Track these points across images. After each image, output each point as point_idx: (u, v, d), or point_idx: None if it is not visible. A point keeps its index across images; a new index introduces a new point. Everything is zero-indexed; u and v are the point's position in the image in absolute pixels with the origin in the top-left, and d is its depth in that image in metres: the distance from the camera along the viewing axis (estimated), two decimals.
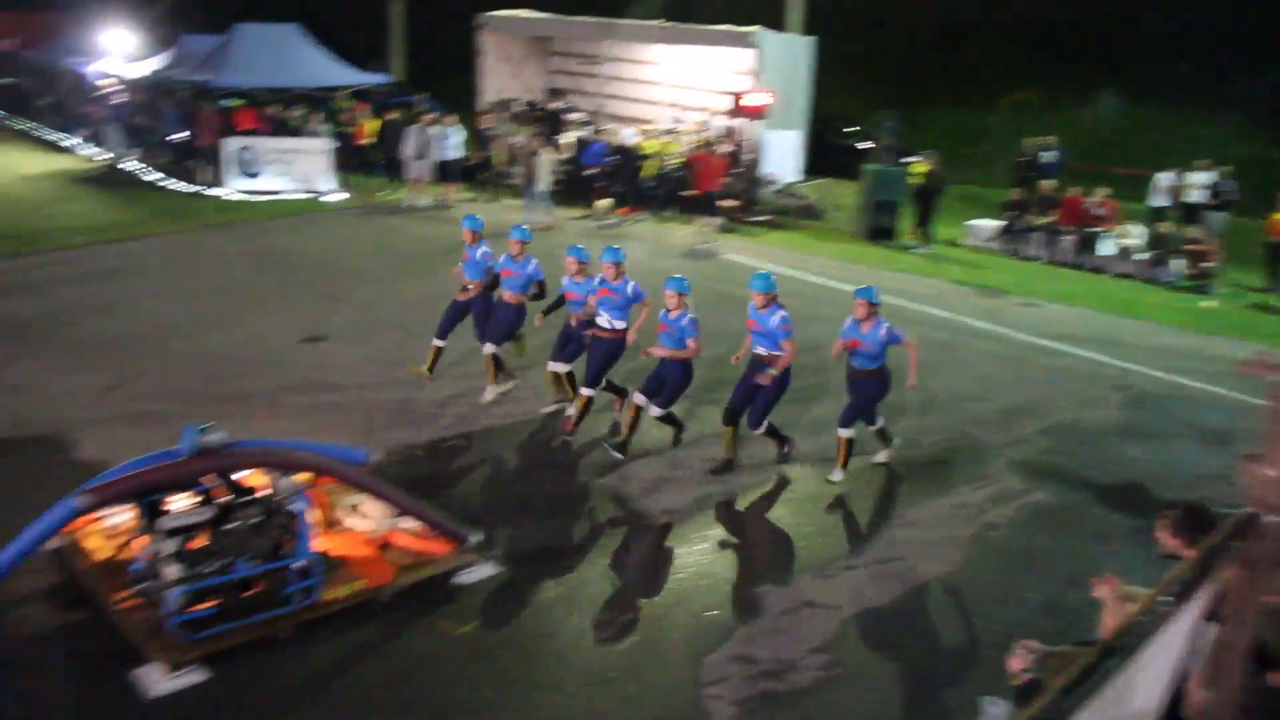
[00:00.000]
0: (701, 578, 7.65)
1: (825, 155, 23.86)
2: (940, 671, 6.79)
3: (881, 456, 9.66)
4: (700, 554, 8.00)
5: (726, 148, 20.27)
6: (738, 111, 20.39)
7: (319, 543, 7.17)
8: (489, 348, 10.51)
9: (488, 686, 6.34)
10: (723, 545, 8.18)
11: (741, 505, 8.84)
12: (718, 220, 19.03)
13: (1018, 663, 4.90)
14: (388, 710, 6.18)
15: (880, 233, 19.60)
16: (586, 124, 23.51)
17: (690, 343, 9.12)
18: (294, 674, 6.50)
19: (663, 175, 20.75)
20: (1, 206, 20.79)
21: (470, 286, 10.58)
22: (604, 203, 20.30)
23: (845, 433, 9.23)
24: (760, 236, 19.40)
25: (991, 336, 13.99)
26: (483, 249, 10.68)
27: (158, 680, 6.34)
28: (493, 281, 10.52)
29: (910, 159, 20.27)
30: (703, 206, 19.12)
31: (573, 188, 21.23)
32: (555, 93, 26.89)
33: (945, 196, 20.12)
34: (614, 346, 9.76)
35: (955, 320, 14.64)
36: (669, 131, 22.12)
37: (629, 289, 9.68)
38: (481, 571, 7.53)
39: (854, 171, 20.74)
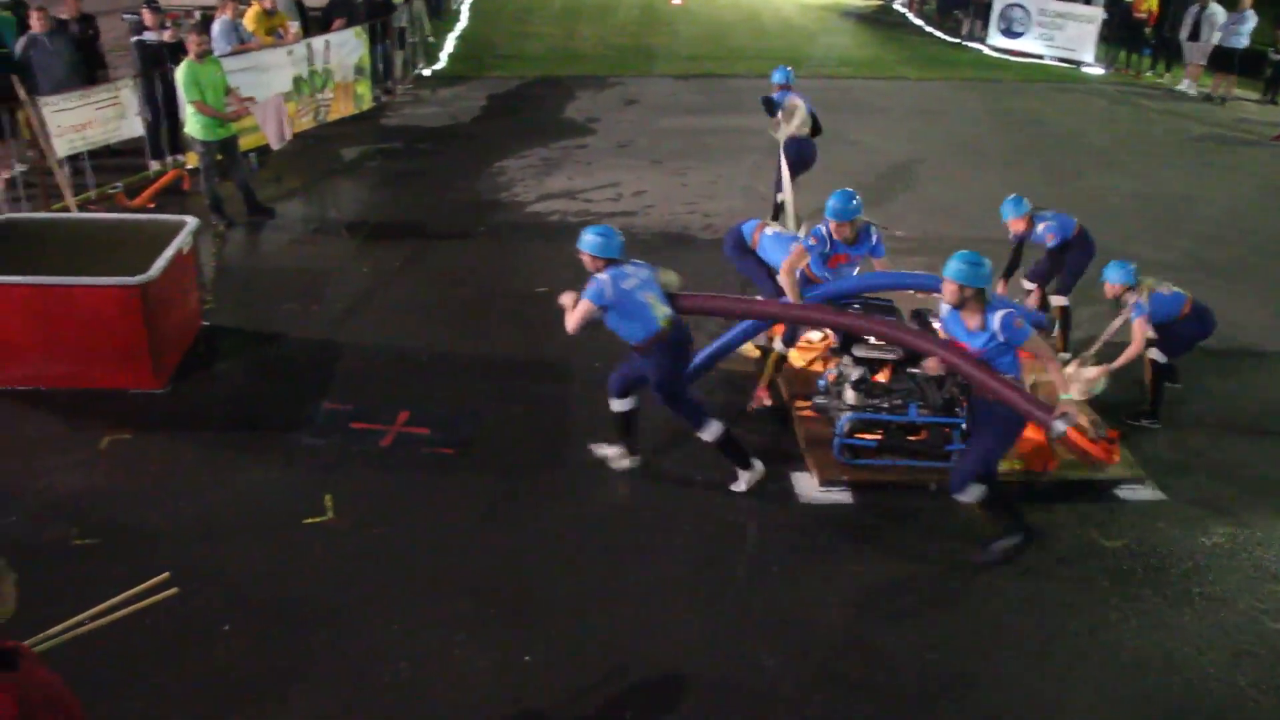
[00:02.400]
0: None
1: None
2: None
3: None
4: None
5: None
6: None
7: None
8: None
9: (1116, 608, 5.98)
10: None
11: None
12: None
13: None
14: (1013, 593, 6.08)
15: None
16: None
17: None
18: (923, 526, 6.61)
19: None
20: (780, 30, 22.49)
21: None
22: None
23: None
24: None
25: None
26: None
27: (810, 488, 6.83)
28: None
29: None
30: None
31: None
32: None
33: None
34: None
35: None
36: None
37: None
38: (1145, 493, 7.02)
39: None
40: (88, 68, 12.10)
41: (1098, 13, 20.82)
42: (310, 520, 6.35)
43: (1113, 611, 5.93)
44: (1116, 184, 13.54)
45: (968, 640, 5.66)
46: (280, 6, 13.86)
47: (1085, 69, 20.46)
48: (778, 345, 7.62)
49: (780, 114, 10.80)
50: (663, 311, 6.33)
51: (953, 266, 5.79)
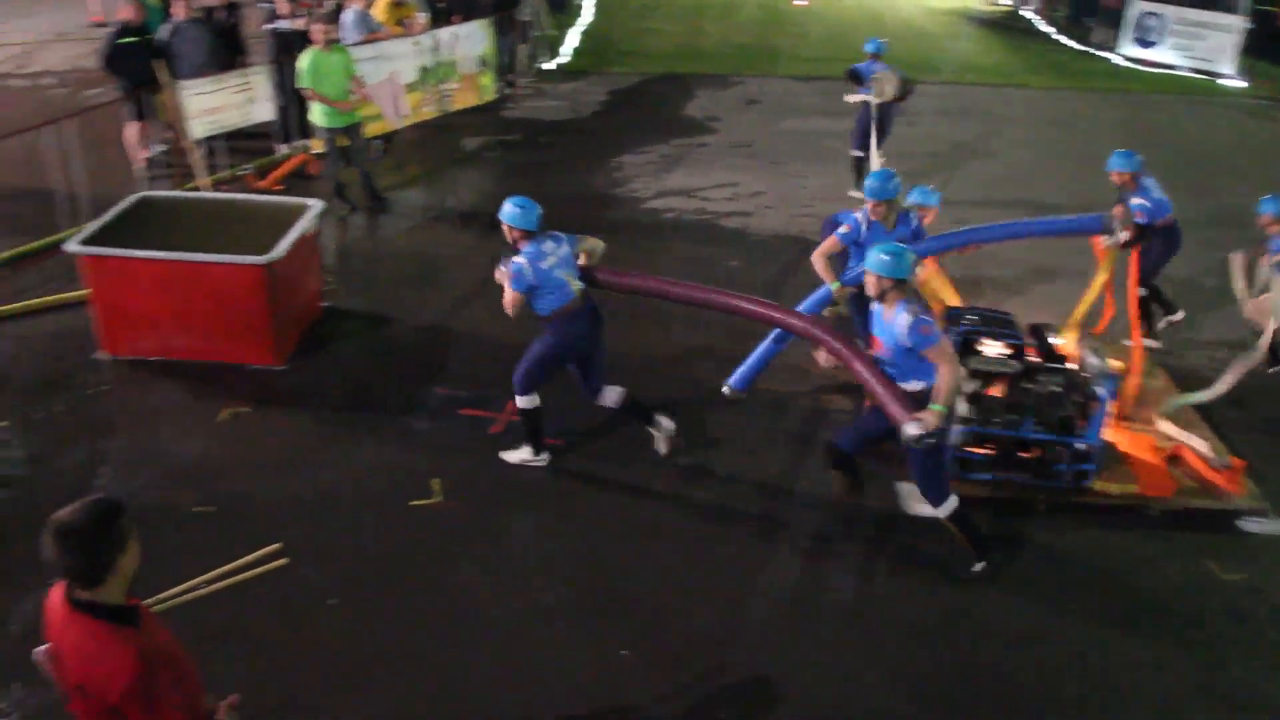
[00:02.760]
0: None
1: None
2: None
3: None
4: None
5: None
6: None
7: (1108, 432, 6.90)
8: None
9: (1233, 647, 5.75)
10: None
11: None
12: None
13: None
14: (1121, 622, 5.89)
15: None
16: None
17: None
18: (1032, 547, 6.43)
19: None
20: (904, 34, 22.20)
21: None
22: None
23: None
24: None
25: None
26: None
27: (915, 499, 6.62)
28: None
29: None
30: None
31: None
32: None
33: None
34: None
35: None
36: None
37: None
38: (1270, 526, 6.71)
39: None
40: (229, 54, 12.50)
41: (1240, 22, 20.00)
42: (418, 502, 6.47)
43: (1229, 650, 5.71)
44: (1257, 203, 12.99)
45: (1074, 668, 5.50)
46: None
47: (1223, 81, 19.68)
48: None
49: (869, 82, 11.65)
50: (577, 286, 6.54)
51: (872, 258, 5.67)
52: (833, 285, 7.14)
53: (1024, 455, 6.74)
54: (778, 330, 7.30)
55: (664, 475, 6.87)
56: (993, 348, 6.82)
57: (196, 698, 3.23)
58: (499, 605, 5.68)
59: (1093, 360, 6.77)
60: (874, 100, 11.54)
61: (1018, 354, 6.78)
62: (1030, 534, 6.51)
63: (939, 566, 6.15)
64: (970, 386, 6.74)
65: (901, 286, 5.64)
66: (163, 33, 11.56)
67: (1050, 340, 7.08)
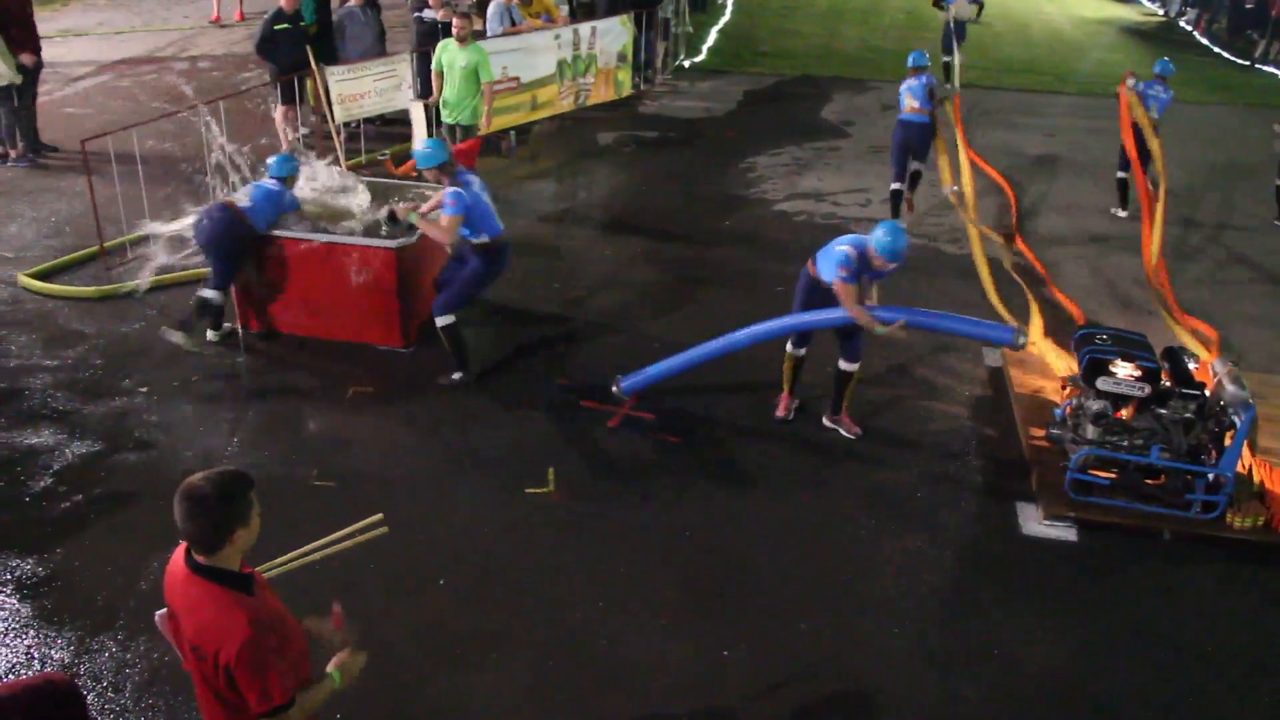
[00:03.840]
0: None
1: None
2: None
3: None
4: None
5: None
6: None
7: (1242, 464, 6.62)
8: None
9: None
10: None
11: None
12: None
13: None
14: (1244, 658, 5.65)
15: None
16: None
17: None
18: (1150, 576, 6.21)
19: None
20: (1049, 43, 21.62)
21: None
22: None
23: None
24: None
25: None
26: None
27: (1033, 520, 6.58)
28: None
29: None
30: None
31: None
32: None
33: None
34: None
35: None
36: None
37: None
38: None
39: None
40: None
41: None
42: (532, 490, 6.56)
43: None
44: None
45: (1184, 709, 5.29)
46: None
47: None
48: (789, 348, 7.42)
49: (949, 7, 16.68)
50: (241, 200, 7.88)
51: (419, 152, 7.39)
52: (873, 322, 6.74)
53: (1150, 481, 6.52)
54: (693, 353, 7.29)
55: (779, 480, 6.84)
56: (1125, 369, 6.60)
57: (301, 663, 3.34)
58: (604, 597, 5.72)
59: (1231, 388, 6.50)
60: (952, 17, 16.53)
61: (1150, 377, 6.55)
62: (1150, 562, 6.29)
63: (1048, 588, 6.01)
64: (1097, 407, 6.55)
65: (445, 167, 7.36)
66: (336, 16, 12.19)
67: (1186, 362, 6.82)
